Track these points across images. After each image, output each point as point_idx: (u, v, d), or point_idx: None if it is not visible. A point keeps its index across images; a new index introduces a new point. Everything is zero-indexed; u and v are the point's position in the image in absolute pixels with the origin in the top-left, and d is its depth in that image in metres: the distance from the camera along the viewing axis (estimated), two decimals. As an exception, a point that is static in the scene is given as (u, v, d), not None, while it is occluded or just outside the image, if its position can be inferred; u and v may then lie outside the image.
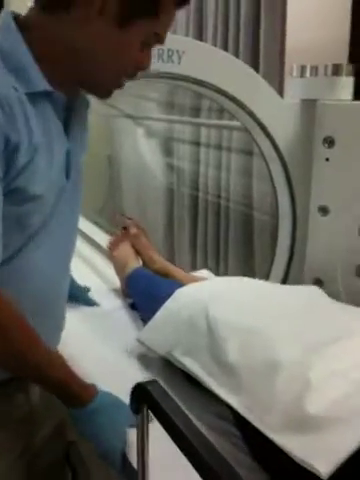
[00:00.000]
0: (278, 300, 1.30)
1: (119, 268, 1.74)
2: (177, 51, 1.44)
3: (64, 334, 1.33)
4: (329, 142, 1.51)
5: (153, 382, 0.84)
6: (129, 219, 1.86)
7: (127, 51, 0.87)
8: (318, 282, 1.62)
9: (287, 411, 0.95)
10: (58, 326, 1.09)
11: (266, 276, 1.82)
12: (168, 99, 2.83)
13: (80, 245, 2.20)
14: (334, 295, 1.54)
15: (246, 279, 1.51)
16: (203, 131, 2.65)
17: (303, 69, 1.59)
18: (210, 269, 2.40)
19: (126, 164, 3.47)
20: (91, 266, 2.04)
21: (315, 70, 1.58)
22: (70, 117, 0.94)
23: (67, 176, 0.94)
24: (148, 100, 2.99)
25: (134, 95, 2.86)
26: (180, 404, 0.80)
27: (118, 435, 0.95)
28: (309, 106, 1.57)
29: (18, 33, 0.84)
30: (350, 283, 1.55)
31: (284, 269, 1.73)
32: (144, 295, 1.56)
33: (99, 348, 1.39)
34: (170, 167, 3.02)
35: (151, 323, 1.31)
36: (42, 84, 0.84)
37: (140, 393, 0.83)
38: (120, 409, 0.96)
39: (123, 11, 0.83)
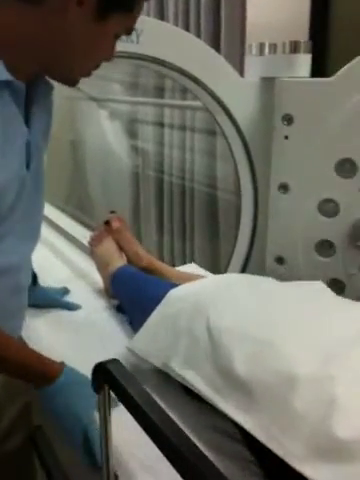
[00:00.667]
0: (283, 301, 1.16)
1: (102, 266, 1.60)
2: (135, 30, 1.41)
3: (41, 341, 1.28)
4: (288, 120, 1.50)
5: (114, 361, 0.83)
6: (112, 212, 1.70)
7: (101, 43, 0.89)
8: (280, 260, 1.63)
9: (312, 435, 0.82)
10: (20, 317, 1.08)
11: (230, 255, 1.83)
12: (132, 80, 2.80)
13: (55, 240, 2.08)
14: (295, 272, 1.56)
15: (241, 276, 1.45)
16: (167, 112, 2.63)
17: (262, 47, 1.59)
18: (174, 251, 2.39)
19: (90, 148, 3.43)
20: (67, 263, 1.89)
21: (274, 48, 1.57)
22: (32, 106, 0.92)
23: (28, 167, 0.92)
24: (112, 81, 2.95)
25: (98, 76, 2.81)
26: (172, 415, 0.74)
27: (80, 413, 0.94)
28: (268, 84, 1.56)
29: None
30: (310, 260, 1.57)
31: (247, 247, 1.75)
32: (132, 296, 1.42)
33: (82, 357, 1.16)
34: (135, 149, 3.00)
35: (143, 330, 1.19)
36: (2, 73, 0.80)
37: (100, 373, 0.82)
38: (86, 387, 0.96)
39: (101, 4, 0.83)
